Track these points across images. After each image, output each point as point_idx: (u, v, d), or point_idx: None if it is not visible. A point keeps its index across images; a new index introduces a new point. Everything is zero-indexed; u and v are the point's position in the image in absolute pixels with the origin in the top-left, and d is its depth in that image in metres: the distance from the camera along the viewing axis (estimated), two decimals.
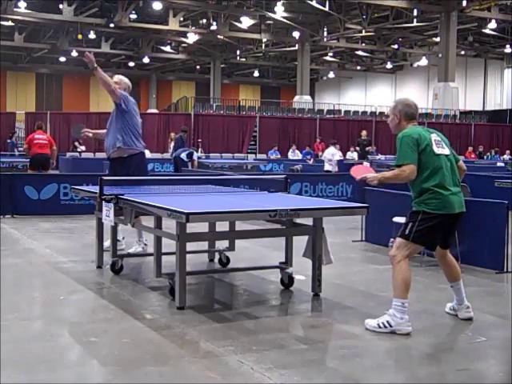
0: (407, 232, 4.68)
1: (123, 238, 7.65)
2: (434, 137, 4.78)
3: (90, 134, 8.10)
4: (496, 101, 43.91)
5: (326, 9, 33.93)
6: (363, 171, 5.11)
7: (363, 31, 36.06)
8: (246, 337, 4.52)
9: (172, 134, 23.48)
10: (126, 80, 7.74)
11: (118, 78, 7.73)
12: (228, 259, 6.96)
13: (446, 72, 31.99)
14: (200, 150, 24.55)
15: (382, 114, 35.36)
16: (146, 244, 7.45)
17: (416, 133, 4.72)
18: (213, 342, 4.36)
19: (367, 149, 23.52)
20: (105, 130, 7.74)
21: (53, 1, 33.45)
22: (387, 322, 4.62)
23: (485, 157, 28.09)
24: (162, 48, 45.71)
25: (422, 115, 34.80)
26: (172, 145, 22.66)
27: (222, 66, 49.79)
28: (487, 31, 36.49)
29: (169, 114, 31.71)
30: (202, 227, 6.39)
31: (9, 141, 22.99)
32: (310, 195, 12.87)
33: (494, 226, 6.98)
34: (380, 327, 4.62)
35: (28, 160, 14.58)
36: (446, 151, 4.78)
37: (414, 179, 4.69)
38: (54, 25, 37.65)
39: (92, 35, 39.43)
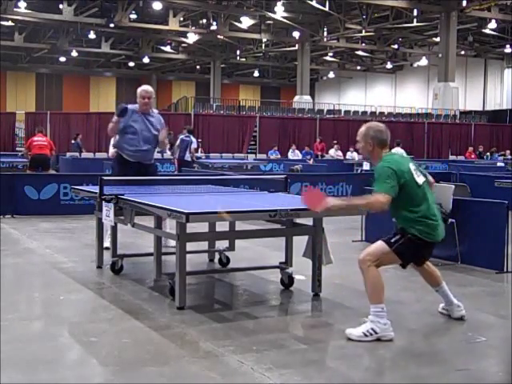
0: (393, 240, 4.58)
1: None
2: (412, 166, 4.66)
3: None
4: (496, 101, 43.93)
5: (326, 9, 33.96)
6: (318, 198, 4.51)
7: (363, 31, 36.10)
8: (246, 337, 4.52)
9: None
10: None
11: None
12: (228, 259, 6.96)
13: (446, 72, 32.02)
14: (200, 150, 24.54)
15: (381, 114, 35.40)
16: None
17: (396, 163, 4.57)
18: (213, 341, 4.36)
19: None
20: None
21: (53, 1, 33.47)
22: (372, 329, 4.44)
23: (484, 157, 28.10)
24: (162, 48, 45.74)
25: (422, 115, 34.89)
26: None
27: (222, 65, 49.81)
28: (487, 31, 36.55)
29: (169, 113, 31.66)
30: (202, 227, 6.40)
31: (73, 142, 22.95)
32: None
33: (494, 226, 6.98)
34: (366, 336, 4.42)
35: (28, 160, 14.65)
36: (423, 178, 4.69)
37: (398, 210, 4.59)
38: (54, 25, 37.66)
39: (92, 35, 39.46)
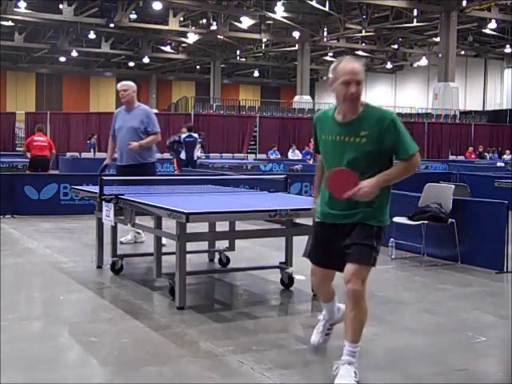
0: (373, 256, 3.70)
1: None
2: None
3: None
4: (496, 101, 43.94)
5: (326, 9, 33.95)
6: (347, 181, 3.62)
7: (363, 31, 36.08)
8: (246, 337, 4.52)
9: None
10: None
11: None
12: (228, 259, 6.96)
13: (446, 72, 32.01)
14: (200, 150, 24.55)
15: None
16: (138, 232, 7.85)
17: None
18: (213, 341, 4.36)
19: None
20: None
21: (53, 1, 33.46)
22: (355, 372, 3.63)
23: (484, 157, 28.09)
24: (162, 48, 45.74)
25: (422, 115, 34.87)
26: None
27: (222, 65, 49.81)
28: (487, 31, 36.54)
29: (169, 113, 31.67)
30: (202, 227, 6.40)
31: (88, 142, 23.17)
32: (310, 195, 12.84)
33: (494, 226, 6.98)
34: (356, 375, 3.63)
35: (28, 160, 14.66)
36: None
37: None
38: (54, 25, 37.66)
39: (92, 35, 39.46)
